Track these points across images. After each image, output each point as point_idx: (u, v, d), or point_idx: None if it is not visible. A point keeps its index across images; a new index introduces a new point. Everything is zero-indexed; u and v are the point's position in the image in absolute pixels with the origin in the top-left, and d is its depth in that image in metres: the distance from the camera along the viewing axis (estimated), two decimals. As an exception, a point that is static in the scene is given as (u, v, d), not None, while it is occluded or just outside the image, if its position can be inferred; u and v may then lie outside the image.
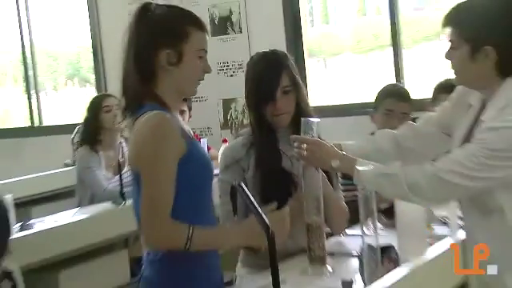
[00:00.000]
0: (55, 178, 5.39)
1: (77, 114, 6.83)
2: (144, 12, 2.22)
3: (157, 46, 2.16)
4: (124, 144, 4.66)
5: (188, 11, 2.25)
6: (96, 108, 4.60)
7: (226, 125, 5.87)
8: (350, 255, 2.53)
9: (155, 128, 2.10)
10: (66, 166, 5.57)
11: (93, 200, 4.49)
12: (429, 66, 5.30)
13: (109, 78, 6.42)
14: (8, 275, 1.99)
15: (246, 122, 5.77)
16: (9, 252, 1.90)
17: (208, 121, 5.83)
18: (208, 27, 2.31)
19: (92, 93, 6.65)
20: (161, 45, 2.16)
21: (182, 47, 2.17)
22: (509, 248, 2.19)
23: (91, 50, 6.52)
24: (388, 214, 2.76)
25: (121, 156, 4.56)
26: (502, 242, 2.19)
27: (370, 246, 2.26)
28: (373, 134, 3.54)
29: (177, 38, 2.17)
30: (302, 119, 2.42)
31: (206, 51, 2.23)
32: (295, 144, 2.39)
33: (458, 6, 2.24)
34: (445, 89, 3.82)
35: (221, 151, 2.89)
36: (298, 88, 2.62)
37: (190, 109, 4.57)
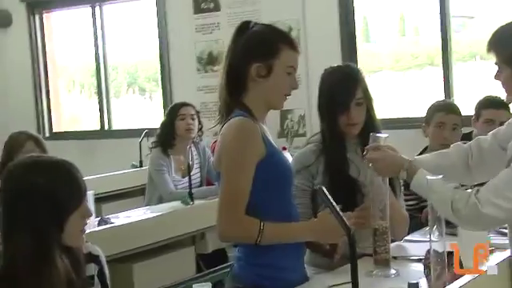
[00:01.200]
0: (124, 178, 5.52)
1: (141, 120, 7.01)
2: (244, 28, 2.30)
3: (249, 58, 2.25)
4: (193, 149, 4.78)
5: (283, 31, 2.34)
6: (172, 115, 4.74)
7: (282, 134, 5.94)
8: (413, 260, 2.56)
9: (237, 131, 2.18)
10: (134, 167, 5.70)
11: (161, 200, 4.60)
12: (470, 84, 5.33)
13: (174, 88, 6.55)
14: (95, 259, 2.06)
15: (301, 131, 5.85)
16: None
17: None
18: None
19: (157, 101, 6.80)
20: (253, 58, 2.24)
21: (272, 62, 2.24)
22: None
23: (159, 61, 6.65)
24: (448, 222, 2.78)
25: (190, 160, 4.66)
26: None
27: (435, 251, 2.30)
28: (426, 148, 3.60)
29: (268, 53, 2.24)
30: (371, 134, 2.46)
31: (296, 69, 2.30)
32: (368, 152, 2.43)
33: (497, 31, 2.25)
34: (486, 105, 3.86)
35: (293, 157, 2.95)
36: (369, 100, 2.67)
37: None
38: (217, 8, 6.32)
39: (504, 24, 2.26)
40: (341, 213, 1.86)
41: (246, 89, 2.26)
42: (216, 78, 6.07)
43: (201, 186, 4.74)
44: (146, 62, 7.42)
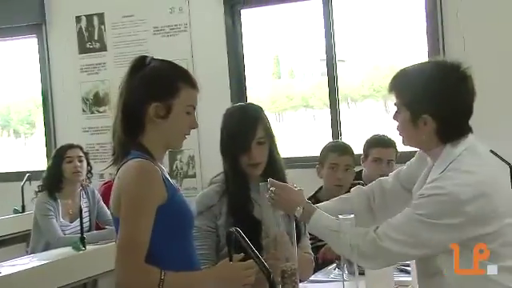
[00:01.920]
0: (5, 224, 5.23)
1: (21, 163, 6.70)
2: (139, 64, 2.20)
3: (147, 97, 2.14)
4: (83, 193, 4.60)
5: (181, 68, 2.25)
6: (59, 157, 4.54)
7: (172, 175, 5.83)
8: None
9: (137, 174, 2.07)
10: (16, 212, 5.42)
11: (47, 247, 4.37)
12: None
13: (58, 129, 6.32)
14: None
15: (190, 172, 5.79)
16: None
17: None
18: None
19: (34, 143, 6.56)
20: (151, 97, 2.14)
21: (171, 101, 2.15)
22: None
23: (41, 101, 6.41)
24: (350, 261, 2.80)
25: (82, 204, 4.48)
26: None
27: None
28: (321, 188, 3.63)
29: (167, 92, 2.15)
30: (260, 184, 2.44)
31: (195, 107, 2.22)
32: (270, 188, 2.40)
33: (400, 72, 2.25)
34: (374, 144, 3.98)
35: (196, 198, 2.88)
36: (271, 139, 2.65)
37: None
38: (103, 48, 6.19)
39: (407, 66, 2.26)
40: (258, 254, 1.81)
41: (143, 129, 2.15)
42: (103, 119, 6.14)
43: (90, 230, 4.55)
44: (19, 103, 7.14)
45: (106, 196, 4.68)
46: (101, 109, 6.23)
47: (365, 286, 2.33)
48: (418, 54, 5.55)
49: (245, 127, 2.60)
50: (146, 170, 2.07)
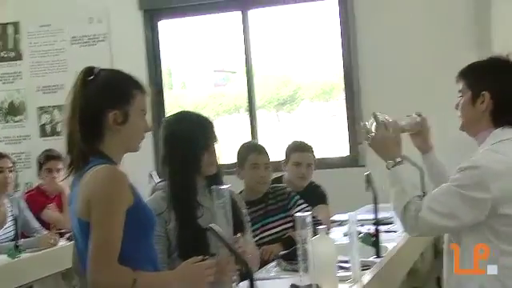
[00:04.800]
0: None
1: None
2: (88, 75, 2.26)
3: (104, 108, 2.20)
4: (6, 201, 4.52)
5: (130, 75, 2.30)
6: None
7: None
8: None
9: (108, 179, 2.12)
10: None
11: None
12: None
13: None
14: None
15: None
16: None
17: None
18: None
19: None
20: (108, 106, 2.20)
21: (127, 108, 2.23)
22: None
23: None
24: (287, 259, 2.95)
25: (8, 213, 4.40)
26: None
27: (294, 286, 2.45)
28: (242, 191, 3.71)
29: (123, 100, 2.22)
30: (213, 187, 2.46)
31: (147, 112, 2.31)
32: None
33: (469, 64, 2.46)
34: (294, 149, 4.16)
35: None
36: (218, 142, 2.76)
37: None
38: (18, 57, 6.09)
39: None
40: (235, 249, 1.91)
41: (102, 136, 2.22)
42: (18, 128, 6.01)
43: (14, 239, 4.46)
44: None
45: (29, 205, 4.63)
46: (16, 118, 6.11)
47: (309, 282, 2.40)
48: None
49: (202, 128, 2.68)
50: (115, 174, 2.13)
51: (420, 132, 2.65)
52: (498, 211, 2.25)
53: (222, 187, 2.46)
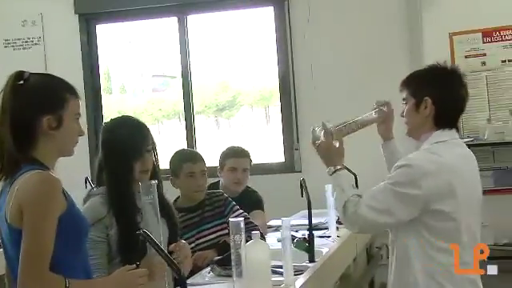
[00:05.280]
0: None
1: None
2: (18, 80, 2.21)
3: (37, 113, 2.17)
4: None
5: (62, 79, 2.26)
6: None
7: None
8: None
9: (40, 185, 2.08)
10: None
11: None
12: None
13: None
14: None
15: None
16: None
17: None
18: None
19: None
20: (42, 111, 2.16)
21: (61, 113, 2.19)
22: None
23: None
24: (221, 264, 2.95)
25: None
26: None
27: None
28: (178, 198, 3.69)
29: (57, 105, 2.18)
30: (140, 184, 2.48)
31: (80, 115, 2.28)
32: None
33: (410, 74, 2.64)
34: (229, 155, 4.16)
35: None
36: (155, 148, 2.75)
37: None
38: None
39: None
40: (167, 253, 1.91)
41: (35, 142, 2.18)
42: None
43: None
44: None
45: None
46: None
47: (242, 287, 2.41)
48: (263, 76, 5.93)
49: (139, 135, 2.66)
50: (48, 180, 2.09)
51: (384, 121, 2.81)
52: (431, 207, 2.39)
53: (149, 182, 2.45)
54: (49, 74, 2.29)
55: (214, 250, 3.40)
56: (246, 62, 6.03)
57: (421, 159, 2.43)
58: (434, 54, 5.12)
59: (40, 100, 2.16)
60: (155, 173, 2.73)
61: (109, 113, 5.87)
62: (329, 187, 2.97)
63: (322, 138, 2.62)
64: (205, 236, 3.51)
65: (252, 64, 6.02)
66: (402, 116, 2.59)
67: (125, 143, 2.65)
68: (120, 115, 2.92)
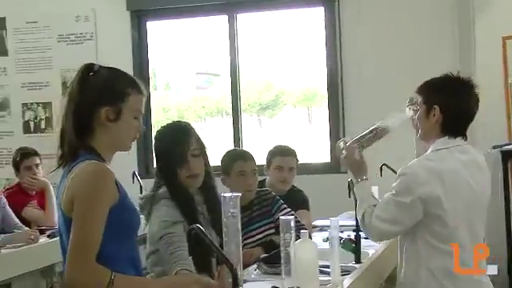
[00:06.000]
0: None
1: None
2: (87, 71, 2.26)
3: (98, 103, 2.19)
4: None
5: (129, 74, 2.31)
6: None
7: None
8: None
9: (93, 175, 2.11)
10: None
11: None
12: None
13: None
14: None
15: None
16: None
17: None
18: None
19: None
20: (101, 102, 2.20)
21: (121, 106, 2.22)
22: None
23: None
24: (268, 262, 2.96)
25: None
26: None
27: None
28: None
29: (117, 98, 2.20)
30: (224, 195, 2.44)
31: (142, 112, 2.31)
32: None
33: (425, 81, 2.75)
34: (276, 153, 4.16)
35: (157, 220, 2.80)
36: (204, 151, 2.78)
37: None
38: (3, 53, 6.06)
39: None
40: (220, 250, 1.92)
41: (93, 131, 2.21)
42: (1, 123, 5.97)
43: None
44: None
45: (10, 201, 4.59)
46: (0, 114, 6.10)
47: (291, 284, 2.40)
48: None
49: (181, 140, 2.71)
50: (101, 171, 2.12)
51: None
52: (429, 211, 2.53)
53: (234, 195, 2.36)
54: (116, 68, 2.31)
55: (261, 248, 3.40)
56: (292, 62, 6.01)
57: (416, 167, 2.57)
58: (486, 57, 5.08)
59: (103, 91, 2.20)
60: (209, 177, 2.75)
61: (154, 109, 5.95)
62: (375, 189, 2.96)
63: (344, 152, 2.78)
64: (253, 236, 3.50)
65: (297, 64, 6.00)
66: (414, 120, 2.72)
67: (167, 151, 2.71)
68: (171, 122, 2.96)
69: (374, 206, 2.62)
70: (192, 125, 2.91)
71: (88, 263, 2.02)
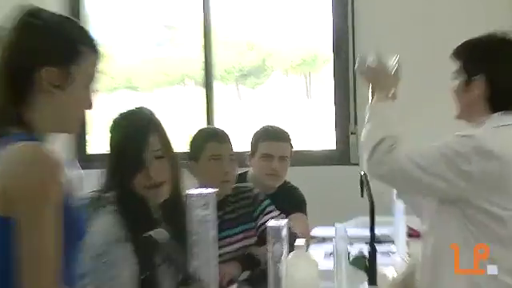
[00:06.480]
0: None
1: None
2: (30, 18, 2.22)
3: (39, 60, 2.16)
4: None
5: (84, 27, 2.28)
6: None
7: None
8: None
9: (37, 164, 2.07)
10: None
11: None
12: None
13: None
14: None
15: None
16: None
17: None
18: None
19: None
20: (45, 60, 2.16)
21: (69, 67, 2.19)
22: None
23: None
24: (251, 283, 2.98)
25: None
26: None
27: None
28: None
29: (67, 56, 2.17)
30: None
31: (93, 81, 2.26)
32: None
33: (465, 42, 2.82)
34: (263, 137, 4.14)
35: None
36: (171, 152, 2.74)
37: None
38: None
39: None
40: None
41: (28, 101, 2.18)
42: None
43: None
44: None
45: None
46: None
47: None
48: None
49: (135, 136, 2.70)
50: (44, 156, 2.08)
51: None
52: (481, 193, 2.59)
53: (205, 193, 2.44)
54: (69, 18, 2.28)
55: (238, 265, 3.40)
56: (283, 14, 6.00)
57: (485, 137, 2.62)
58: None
59: (45, 44, 2.16)
60: (176, 190, 2.73)
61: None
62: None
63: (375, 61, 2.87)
64: (226, 246, 3.47)
65: (291, 16, 5.98)
66: (452, 92, 2.80)
67: (119, 149, 2.72)
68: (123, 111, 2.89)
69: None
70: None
71: (52, 284, 2.00)
